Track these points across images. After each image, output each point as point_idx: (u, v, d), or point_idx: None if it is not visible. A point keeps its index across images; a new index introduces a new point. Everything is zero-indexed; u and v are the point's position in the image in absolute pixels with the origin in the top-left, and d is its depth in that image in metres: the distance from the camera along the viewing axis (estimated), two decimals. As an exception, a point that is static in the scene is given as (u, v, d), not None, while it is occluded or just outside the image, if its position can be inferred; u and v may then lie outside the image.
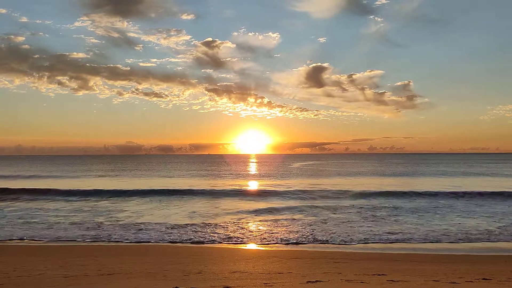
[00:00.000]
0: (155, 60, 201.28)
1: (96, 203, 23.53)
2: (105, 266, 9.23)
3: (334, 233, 14.35)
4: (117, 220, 17.64)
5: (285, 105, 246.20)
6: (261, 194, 26.72)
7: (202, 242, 13.25)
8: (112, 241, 13.67)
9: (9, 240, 13.92)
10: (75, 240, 13.77)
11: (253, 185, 34.28)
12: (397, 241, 13.35)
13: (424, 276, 7.80)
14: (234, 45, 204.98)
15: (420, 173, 50.64)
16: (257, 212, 19.61)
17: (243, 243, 13.21)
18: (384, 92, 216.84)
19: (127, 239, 13.88)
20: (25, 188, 29.33)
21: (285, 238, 13.64)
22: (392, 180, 39.35)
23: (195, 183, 38.06)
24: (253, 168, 69.55)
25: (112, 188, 29.81)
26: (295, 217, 18.03)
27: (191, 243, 13.24)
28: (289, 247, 12.69)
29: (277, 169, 64.63)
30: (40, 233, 14.93)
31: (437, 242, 13.19)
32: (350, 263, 9.76)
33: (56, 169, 66.17)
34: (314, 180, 39.80)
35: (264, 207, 20.76)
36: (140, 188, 29.88)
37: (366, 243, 13.08)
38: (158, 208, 21.69)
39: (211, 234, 14.33)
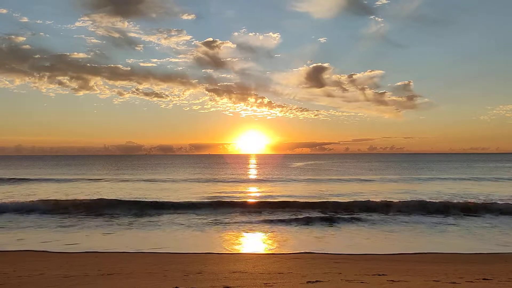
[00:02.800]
0: (155, 60, 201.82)
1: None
2: (105, 266, 9.24)
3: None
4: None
5: (285, 105, 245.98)
6: (260, 204, 22.29)
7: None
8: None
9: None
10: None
11: (252, 193, 33.80)
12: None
13: (424, 276, 7.80)
14: (235, 45, 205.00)
15: (423, 175, 50.37)
16: (256, 223, 17.40)
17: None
18: (384, 92, 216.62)
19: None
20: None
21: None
22: (397, 185, 38.75)
23: (192, 189, 37.95)
24: (252, 170, 69.40)
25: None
26: (294, 229, 15.85)
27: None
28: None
29: (277, 171, 64.51)
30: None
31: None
32: (350, 263, 9.76)
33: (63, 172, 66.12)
34: (316, 184, 39.42)
35: (263, 219, 17.84)
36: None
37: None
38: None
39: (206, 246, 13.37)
